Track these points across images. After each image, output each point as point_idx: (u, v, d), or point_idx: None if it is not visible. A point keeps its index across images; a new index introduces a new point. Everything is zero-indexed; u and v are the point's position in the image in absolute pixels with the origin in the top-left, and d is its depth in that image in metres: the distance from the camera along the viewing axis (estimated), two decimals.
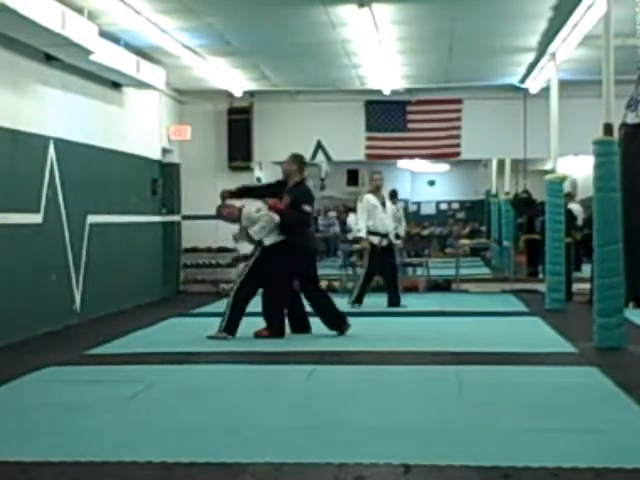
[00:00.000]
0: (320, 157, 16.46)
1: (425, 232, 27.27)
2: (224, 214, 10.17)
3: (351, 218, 20.95)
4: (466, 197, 29.14)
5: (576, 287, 13.79)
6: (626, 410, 6.18)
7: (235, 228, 10.24)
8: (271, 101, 16.11)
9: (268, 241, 9.75)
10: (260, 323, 9.82)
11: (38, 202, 10.42)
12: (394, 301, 12.97)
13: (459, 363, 8.10)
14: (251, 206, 9.95)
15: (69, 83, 11.40)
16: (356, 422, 5.88)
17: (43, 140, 10.61)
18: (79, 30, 9.67)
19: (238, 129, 16.22)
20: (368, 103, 16.20)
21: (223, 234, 13.80)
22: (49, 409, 6.41)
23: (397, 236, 14.05)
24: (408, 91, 15.86)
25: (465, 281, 16.33)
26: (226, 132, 16.26)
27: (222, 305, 10.35)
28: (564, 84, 13.29)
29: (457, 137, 16.18)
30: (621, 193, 8.77)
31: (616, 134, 8.85)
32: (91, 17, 10.14)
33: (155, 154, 14.97)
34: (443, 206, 29.78)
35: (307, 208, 9.85)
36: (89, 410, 6.34)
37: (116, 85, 12.82)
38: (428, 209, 29.63)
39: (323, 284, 13.26)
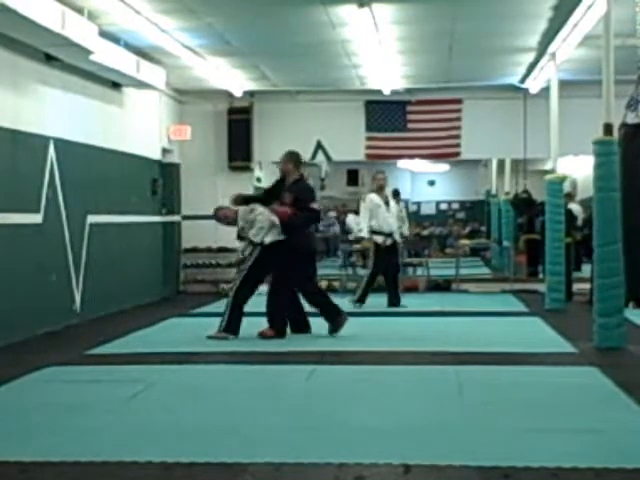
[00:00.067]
0: (320, 157, 16.45)
1: (425, 232, 27.29)
2: (220, 216, 10.18)
3: (350, 218, 20.99)
4: (466, 197, 29.14)
5: (576, 287, 13.78)
6: (626, 410, 6.18)
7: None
8: (271, 101, 16.10)
9: (268, 240, 9.76)
10: (261, 323, 9.82)
11: (38, 202, 10.42)
12: (394, 301, 12.94)
13: (459, 363, 8.10)
14: (246, 207, 9.96)
15: (69, 83, 11.40)
16: (356, 422, 5.88)
17: (43, 140, 10.61)
18: (79, 30, 9.67)
19: (238, 129, 16.21)
20: (368, 103, 16.19)
21: (223, 234, 13.80)
22: (49, 409, 6.41)
23: (401, 235, 14.03)
24: (408, 91, 15.85)
25: (465, 281, 16.32)
26: (226, 132, 16.25)
27: (222, 305, 10.34)
28: (564, 84, 13.28)
29: (457, 137, 16.17)
30: (621, 193, 8.77)
31: (616, 134, 8.85)
32: (91, 17, 10.14)
33: (155, 154, 14.97)
34: (443, 206, 29.79)
35: (316, 206, 9.99)
36: (89, 410, 6.34)
37: (116, 85, 12.82)
38: (428, 209, 29.64)
39: (323, 284, 13.29)
